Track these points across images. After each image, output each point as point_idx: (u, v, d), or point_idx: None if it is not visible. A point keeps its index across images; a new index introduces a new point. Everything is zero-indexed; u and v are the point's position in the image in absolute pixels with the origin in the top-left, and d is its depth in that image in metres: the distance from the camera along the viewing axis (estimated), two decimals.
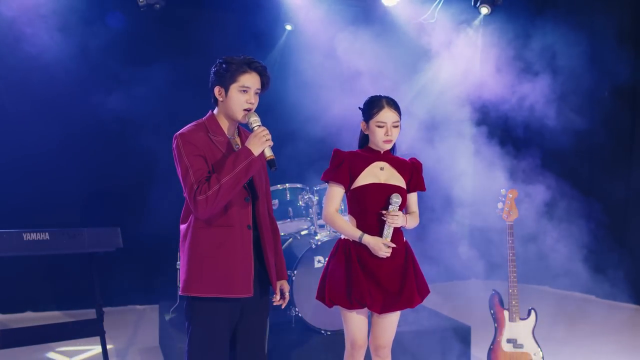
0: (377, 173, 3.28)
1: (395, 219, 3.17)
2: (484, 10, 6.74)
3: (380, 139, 3.25)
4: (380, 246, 3.16)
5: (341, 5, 6.82)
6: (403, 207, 3.29)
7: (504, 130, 6.90)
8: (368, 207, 3.24)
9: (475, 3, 6.80)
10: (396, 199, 3.18)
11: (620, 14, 6.96)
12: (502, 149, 6.09)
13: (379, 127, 3.24)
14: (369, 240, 3.19)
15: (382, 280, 3.22)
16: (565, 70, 6.61)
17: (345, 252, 3.27)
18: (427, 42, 6.73)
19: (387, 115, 3.23)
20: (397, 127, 3.26)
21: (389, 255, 3.18)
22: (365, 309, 3.25)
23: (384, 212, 3.19)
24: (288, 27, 6.99)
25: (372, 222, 3.23)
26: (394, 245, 3.18)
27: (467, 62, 6.73)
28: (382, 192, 3.23)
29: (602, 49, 6.82)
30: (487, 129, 6.28)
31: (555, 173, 5.87)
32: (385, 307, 3.23)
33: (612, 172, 6.83)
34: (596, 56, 6.75)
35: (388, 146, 3.29)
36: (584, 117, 6.65)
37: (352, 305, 3.23)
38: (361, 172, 3.27)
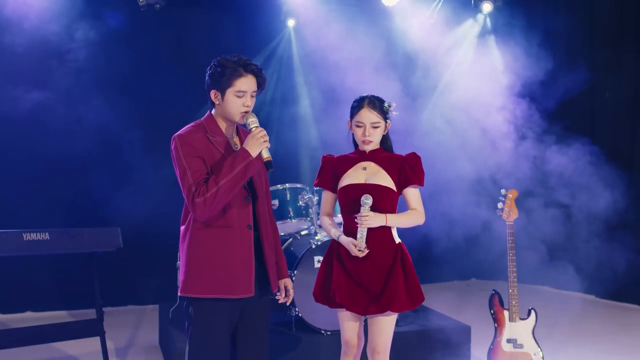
0: (358, 173, 3.28)
1: (363, 220, 3.15)
2: (487, 7, 6.74)
3: (359, 139, 3.28)
4: (351, 247, 3.17)
5: (341, 5, 6.82)
6: (388, 204, 3.23)
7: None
8: (347, 208, 3.26)
9: (476, 3, 6.80)
10: (366, 200, 3.16)
11: None
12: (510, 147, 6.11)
13: (357, 126, 3.26)
14: (343, 240, 3.22)
15: (364, 281, 3.21)
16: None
17: (330, 251, 3.31)
18: (427, 42, 6.73)
19: (365, 115, 3.23)
20: (377, 127, 3.25)
21: (362, 255, 3.17)
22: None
23: (355, 215, 3.18)
24: (290, 23, 6.97)
25: (351, 223, 3.24)
26: (363, 246, 3.15)
27: (469, 60, 6.75)
28: (360, 192, 3.21)
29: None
30: (491, 125, 6.29)
31: (554, 170, 5.87)
32: (368, 309, 3.21)
33: (613, 170, 6.81)
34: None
35: (367, 147, 3.29)
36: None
37: (331, 305, 3.26)
38: (344, 174, 3.29)
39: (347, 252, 3.22)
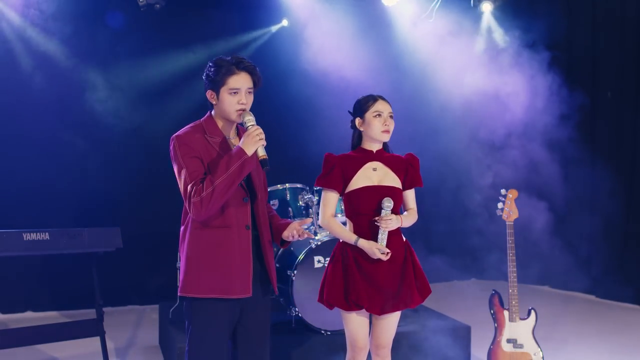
0: (369, 175, 3.26)
1: (388, 223, 3.15)
2: (487, 6, 6.73)
3: (379, 129, 3.24)
4: (374, 251, 3.15)
5: (340, 5, 6.82)
6: (399, 205, 3.28)
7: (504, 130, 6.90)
8: (362, 210, 3.24)
9: (475, 3, 6.80)
10: (388, 203, 3.16)
11: None
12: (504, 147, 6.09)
13: (376, 116, 3.23)
14: (363, 244, 3.19)
15: (381, 281, 3.21)
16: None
17: (343, 254, 3.27)
18: (427, 41, 6.73)
19: (382, 106, 3.25)
20: (392, 117, 3.28)
21: (386, 258, 3.17)
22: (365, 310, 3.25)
23: (376, 218, 3.18)
24: (284, 23, 7.00)
25: (367, 225, 3.22)
26: (388, 251, 3.16)
27: (467, 59, 6.74)
28: (376, 194, 3.21)
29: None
30: (486, 127, 6.29)
31: (552, 171, 5.87)
32: (384, 308, 3.22)
33: (612, 171, 6.82)
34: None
35: (386, 137, 3.27)
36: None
37: (349, 307, 3.23)
38: (354, 175, 3.26)
39: (362, 254, 3.21)
